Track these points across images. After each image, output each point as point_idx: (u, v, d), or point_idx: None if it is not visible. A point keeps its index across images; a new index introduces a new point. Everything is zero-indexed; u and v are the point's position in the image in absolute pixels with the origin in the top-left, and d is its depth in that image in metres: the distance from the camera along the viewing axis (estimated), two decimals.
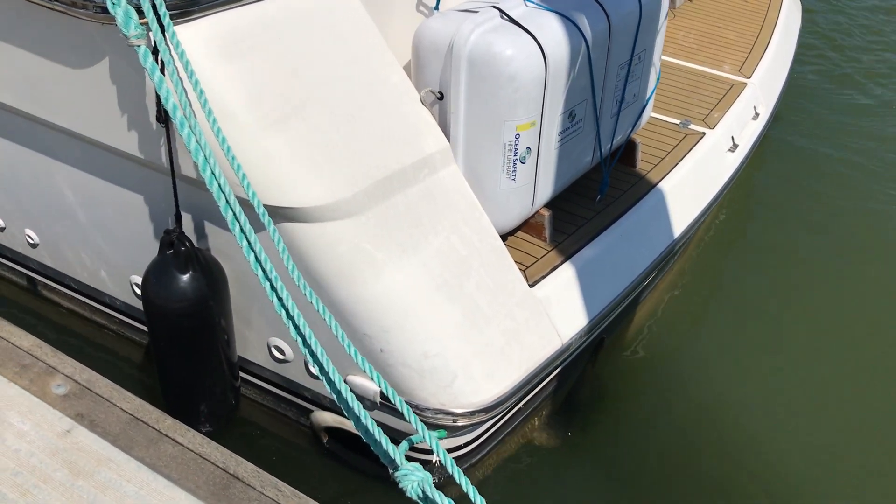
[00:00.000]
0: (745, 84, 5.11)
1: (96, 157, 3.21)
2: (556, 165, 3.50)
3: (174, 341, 3.11)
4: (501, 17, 3.16)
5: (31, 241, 3.86)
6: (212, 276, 3.07)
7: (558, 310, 3.42)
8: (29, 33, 2.89)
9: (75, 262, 3.78)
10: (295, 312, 2.54)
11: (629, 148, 4.13)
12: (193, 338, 3.10)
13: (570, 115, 3.42)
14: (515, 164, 3.24)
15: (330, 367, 2.59)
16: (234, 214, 2.52)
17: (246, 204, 2.74)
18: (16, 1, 2.80)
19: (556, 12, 3.28)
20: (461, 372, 3.06)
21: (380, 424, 3.27)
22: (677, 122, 4.64)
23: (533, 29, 3.12)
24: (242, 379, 3.62)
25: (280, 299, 2.55)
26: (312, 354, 2.59)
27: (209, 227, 3.14)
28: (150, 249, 3.37)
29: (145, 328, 3.87)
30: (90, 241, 3.59)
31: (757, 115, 5.04)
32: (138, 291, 3.62)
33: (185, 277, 2.98)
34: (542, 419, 3.92)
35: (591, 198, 3.96)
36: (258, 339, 3.39)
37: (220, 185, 2.50)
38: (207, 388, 3.26)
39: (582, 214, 3.87)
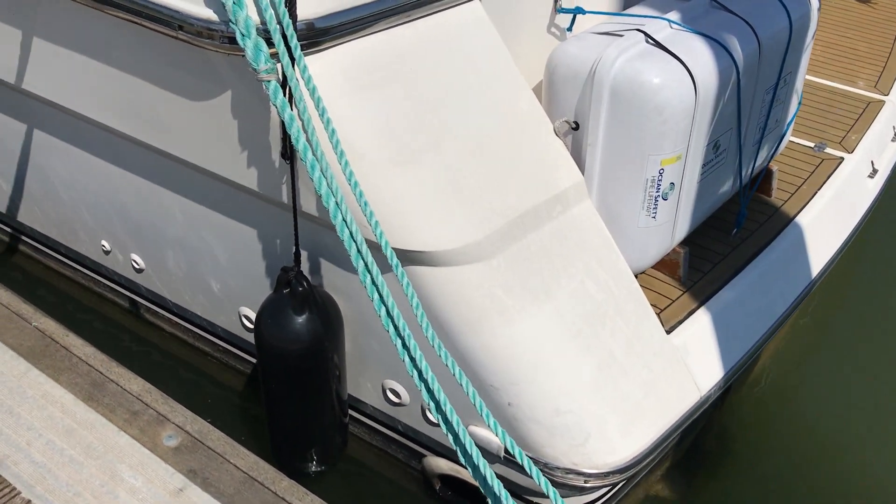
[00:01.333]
0: (884, 102, 4.71)
1: (211, 188, 3.05)
2: (696, 200, 3.21)
3: (287, 381, 2.93)
4: (647, 42, 2.89)
5: (137, 266, 3.75)
6: (328, 317, 2.88)
7: (696, 358, 3.13)
8: (149, 62, 2.74)
9: (182, 289, 3.66)
10: (420, 360, 2.33)
11: (766, 176, 3.81)
12: (306, 378, 2.93)
13: (714, 145, 3.13)
14: (657, 200, 2.96)
15: (454, 419, 2.37)
16: (362, 257, 2.32)
17: (371, 244, 2.54)
18: (137, 29, 2.64)
19: (705, 35, 2.99)
20: (595, 430, 2.81)
21: (500, 478, 3.07)
22: (812, 145, 4.28)
23: (682, 54, 2.84)
24: (351, 417, 3.44)
25: (405, 345, 2.34)
26: (436, 403, 2.37)
27: (325, 265, 2.95)
28: (261, 282, 3.21)
29: (250, 358, 3.74)
30: (199, 270, 3.45)
31: None
32: (247, 324, 3.47)
33: (302, 318, 2.80)
34: (665, 470, 3.64)
35: (725, 231, 3.65)
36: (371, 380, 3.20)
37: (349, 229, 2.30)
38: (317, 429, 3.08)
39: (717, 250, 3.57)
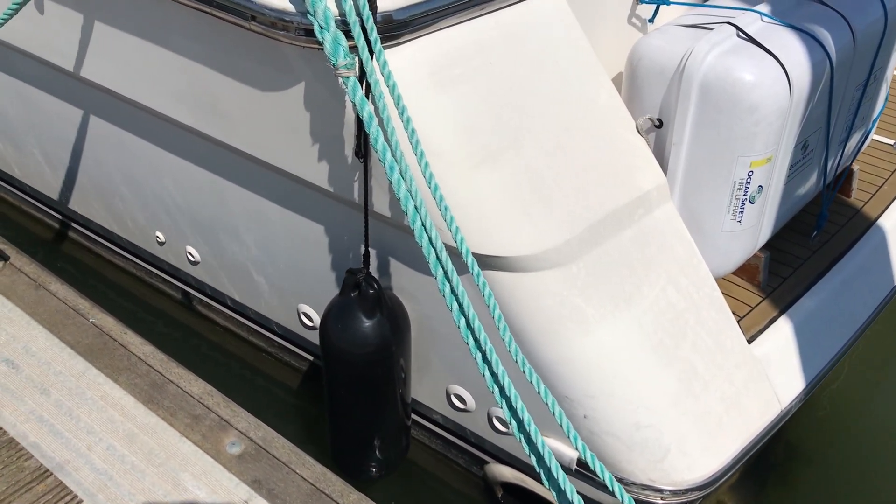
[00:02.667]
0: None
1: (275, 183, 2.94)
2: (780, 203, 3.04)
3: (353, 386, 2.82)
4: (739, 36, 2.71)
5: (192, 259, 3.66)
6: (396, 321, 2.76)
7: (777, 370, 2.98)
8: (217, 52, 2.62)
9: (238, 283, 3.56)
10: (502, 376, 2.19)
11: (847, 176, 3.62)
12: (374, 384, 2.81)
13: (803, 146, 2.95)
14: (744, 204, 2.80)
15: (531, 428, 2.24)
16: (441, 263, 2.19)
17: (449, 249, 2.41)
18: (206, 18, 2.52)
19: (798, 28, 2.80)
20: (675, 446, 2.67)
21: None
22: (891, 142, 4.07)
23: (776, 50, 2.66)
24: (413, 421, 3.33)
25: (486, 359, 2.21)
26: (513, 412, 2.24)
27: (393, 266, 2.83)
28: (323, 281, 3.10)
29: (306, 355, 3.64)
30: (258, 266, 3.34)
31: None
32: (305, 321, 3.36)
33: (372, 322, 2.68)
34: (733, 481, 3.49)
35: (804, 233, 3.48)
36: (435, 384, 3.08)
37: (427, 234, 2.17)
38: (382, 433, 2.97)
39: (796, 253, 3.40)
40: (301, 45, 2.30)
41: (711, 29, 2.75)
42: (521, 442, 2.25)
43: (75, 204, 4.17)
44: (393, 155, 2.16)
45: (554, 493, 2.29)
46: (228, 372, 3.78)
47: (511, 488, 3.22)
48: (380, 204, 2.57)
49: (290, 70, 2.45)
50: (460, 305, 2.13)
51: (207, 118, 2.83)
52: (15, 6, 2.81)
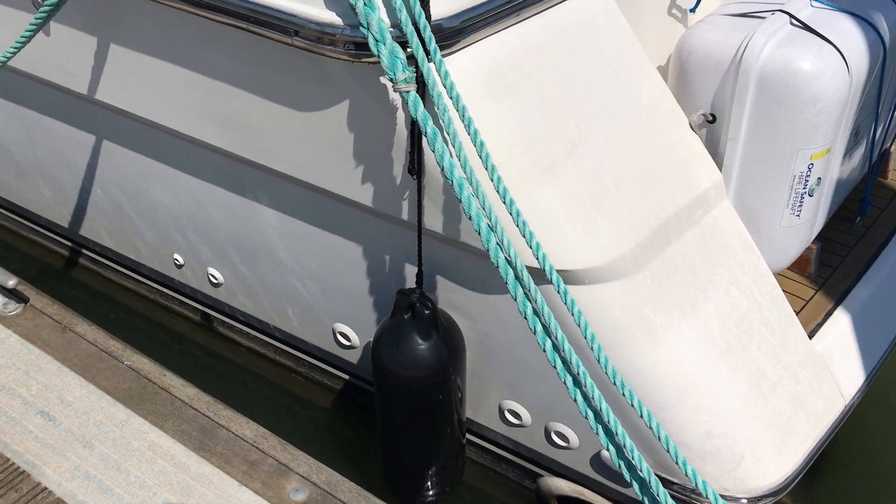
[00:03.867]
0: None
1: (312, 203, 2.79)
2: (834, 192, 2.95)
3: (410, 411, 2.70)
4: (792, 24, 2.60)
5: (215, 281, 3.50)
6: (453, 341, 2.64)
7: (839, 364, 2.90)
8: (252, 70, 2.46)
9: (266, 304, 3.41)
10: (599, 399, 2.08)
11: (885, 158, 3.54)
12: (431, 407, 2.69)
13: (855, 133, 2.86)
14: (803, 198, 2.70)
15: (636, 456, 2.13)
16: (521, 283, 2.06)
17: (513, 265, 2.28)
18: (240, 36, 2.36)
19: (850, 12, 2.70)
20: (748, 453, 2.58)
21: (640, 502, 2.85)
22: None
23: (832, 36, 2.56)
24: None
25: (577, 382, 2.10)
26: (611, 438, 2.13)
27: (444, 283, 2.70)
28: (361, 299, 2.97)
29: (341, 374, 3.51)
30: (290, 286, 3.20)
31: None
32: (342, 341, 3.23)
33: (428, 344, 2.55)
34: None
35: (846, 219, 3.39)
36: (488, 400, 2.96)
37: (505, 252, 2.04)
38: (439, 458, 2.85)
39: (842, 241, 3.31)
40: (350, 59, 2.15)
41: (763, 17, 2.63)
42: (620, 467, 2.14)
43: (86, 229, 3.99)
44: (463, 171, 2.03)
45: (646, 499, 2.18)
46: (257, 394, 3.64)
47: (567, 501, 3.12)
48: (433, 221, 2.44)
49: (334, 86, 2.31)
50: (545, 326, 2.00)
51: (240, 139, 2.67)
52: (29, 32, 2.63)
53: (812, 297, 3.06)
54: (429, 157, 2.27)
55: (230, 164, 2.89)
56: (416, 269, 2.71)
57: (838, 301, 3.05)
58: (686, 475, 2.06)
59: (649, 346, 2.48)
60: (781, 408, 2.66)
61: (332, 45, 2.14)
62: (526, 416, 2.89)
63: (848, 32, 2.62)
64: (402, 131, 2.27)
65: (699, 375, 2.53)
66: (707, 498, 2.05)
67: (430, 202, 2.39)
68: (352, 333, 3.18)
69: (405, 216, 2.48)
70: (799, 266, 3.11)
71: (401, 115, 2.24)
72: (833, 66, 2.51)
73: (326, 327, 3.25)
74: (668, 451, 2.05)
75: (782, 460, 2.64)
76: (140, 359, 2.75)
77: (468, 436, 3.19)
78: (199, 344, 3.87)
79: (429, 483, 2.89)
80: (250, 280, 3.35)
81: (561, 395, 2.70)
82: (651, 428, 2.04)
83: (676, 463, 2.05)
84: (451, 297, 2.70)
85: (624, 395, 2.03)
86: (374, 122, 2.31)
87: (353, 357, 3.30)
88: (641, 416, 2.04)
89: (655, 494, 2.02)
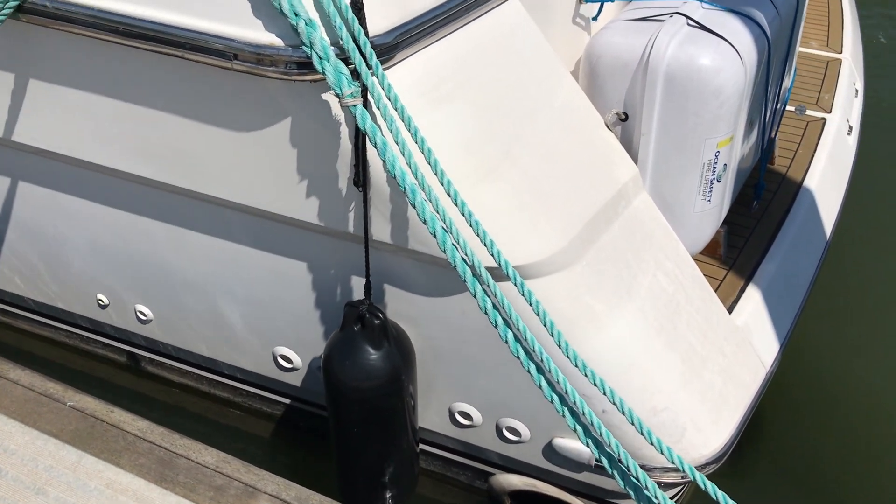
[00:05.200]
0: (840, 60, 4.86)
1: (246, 226, 2.80)
2: (735, 178, 3.20)
3: (367, 420, 2.73)
4: (689, 24, 2.83)
5: (143, 318, 3.43)
6: (403, 348, 2.71)
7: (757, 336, 3.13)
8: (183, 98, 2.47)
9: (200, 335, 3.37)
10: (560, 377, 2.19)
11: (771, 146, 3.84)
12: (386, 415, 2.74)
13: (749, 122, 3.12)
14: (712, 183, 2.92)
15: (604, 433, 2.26)
16: (479, 280, 2.16)
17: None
18: (170, 63, 2.37)
19: (737, 12, 2.96)
20: (690, 424, 2.75)
21: (591, 486, 2.99)
22: (793, 108, 4.36)
23: (726, 34, 2.80)
24: None
25: (535, 362, 2.21)
26: (575, 416, 2.25)
27: (391, 292, 2.76)
28: (304, 319, 2.99)
29: (281, 399, 3.50)
30: (224, 314, 3.18)
31: (857, 92, 4.80)
32: (283, 364, 3.23)
33: (381, 353, 2.61)
34: None
35: (744, 204, 3.67)
36: (437, 405, 3.03)
37: (462, 251, 2.14)
38: (396, 465, 2.90)
39: (742, 223, 3.58)
40: (292, 78, 2.21)
41: (662, 21, 2.85)
42: (589, 445, 2.26)
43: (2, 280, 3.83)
44: (414, 177, 2.12)
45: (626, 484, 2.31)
46: (193, 429, 3.57)
47: (520, 496, 3.22)
48: (379, 231, 2.51)
49: (275, 106, 2.35)
50: (506, 319, 2.11)
51: (175, 169, 2.66)
52: None
53: (725, 276, 3.29)
54: (374, 168, 2.35)
55: (160, 195, 2.87)
56: (360, 282, 2.77)
57: (748, 278, 3.29)
58: (652, 444, 2.20)
59: (594, 332, 2.62)
60: (713, 380, 2.86)
61: (273, 65, 2.19)
62: (477, 416, 2.97)
63: (738, 30, 2.87)
64: (346, 145, 2.34)
65: (639, 355, 2.69)
66: (682, 470, 2.19)
67: (376, 212, 2.46)
68: (293, 355, 3.19)
69: (351, 229, 2.54)
70: (710, 249, 3.34)
71: (344, 130, 2.31)
72: (730, 60, 2.74)
73: (266, 352, 3.25)
74: (632, 425, 2.18)
75: (720, 429, 2.83)
76: (83, 398, 2.67)
77: (421, 445, 3.25)
78: (126, 387, 3.77)
79: (388, 492, 2.93)
80: (183, 312, 3.30)
81: (512, 389, 2.81)
82: (614, 403, 2.16)
83: (641, 433, 2.18)
84: (397, 306, 2.77)
85: (586, 375, 2.15)
86: (317, 139, 2.36)
87: (294, 379, 3.30)
88: (605, 394, 2.16)
89: (626, 468, 2.14)
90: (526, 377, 2.67)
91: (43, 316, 3.89)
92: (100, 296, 3.49)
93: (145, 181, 2.82)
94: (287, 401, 3.49)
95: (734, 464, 3.44)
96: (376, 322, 2.59)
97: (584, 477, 2.95)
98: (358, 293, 2.79)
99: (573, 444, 2.83)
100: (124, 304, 3.45)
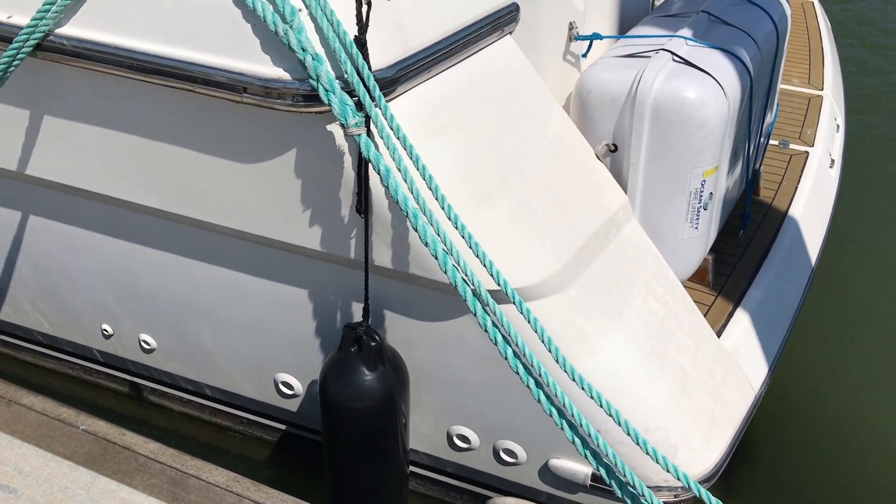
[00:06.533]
0: (822, 96, 5.03)
1: (249, 254, 2.90)
2: (722, 206, 3.32)
3: (361, 441, 2.81)
4: (674, 60, 2.97)
5: (147, 347, 3.51)
6: (398, 370, 2.79)
7: (746, 359, 3.23)
8: (192, 129, 2.58)
9: (202, 363, 3.45)
10: (558, 391, 2.29)
11: (756, 177, 3.98)
12: (380, 435, 2.81)
13: (734, 153, 3.25)
14: (699, 211, 3.04)
15: (601, 444, 2.35)
16: (479, 300, 2.26)
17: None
18: (180, 96, 2.49)
19: (720, 48, 3.11)
20: (681, 444, 2.83)
21: None
22: (776, 142, 4.51)
23: (709, 69, 2.94)
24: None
25: (534, 377, 2.30)
26: (573, 428, 2.34)
27: (389, 317, 2.86)
28: (305, 345, 3.08)
29: (279, 426, 3.56)
30: (227, 341, 3.26)
31: (838, 127, 4.96)
32: (284, 390, 3.31)
33: (376, 374, 2.69)
34: None
35: (730, 233, 3.79)
36: (433, 428, 3.11)
37: (463, 272, 2.24)
38: (389, 485, 2.97)
39: (729, 252, 3.69)
40: (299, 110, 2.33)
41: (648, 57, 2.99)
42: (587, 457, 2.34)
43: (8, 313, 3.90)
44: (416, 203, 2.22)
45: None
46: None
47: None
48: (380, 256, 2.61)
49: (281, 137, 2.47)
50: (505, 337, 2.20)
51: (184, 200, 2.77)
52: None
53: (713, 302, 3.40)
54: (375, 195, 2.46)
55: (167, 225, 2.97)
56: (359, 308, 2.86)
57: (736, 304, 3.40)
58: (648, 454, 2.28)
59: (586, 354, 2.71)
60: (703, 401, 2.95)
61: (281, 98, 2.31)
62: (474, 439, 3.05)
63: (721, 65, 3.01)
64: (349, 173, 2.45)
65: (632, 377, 2.78)
66: (678, 478, 2.27)
67: (377, 238, 2.57)
68: (294, 381, 3.26)
69: (353, 255, 2.64)
70: (698, 276, 3.45)
71: (347, 159, 2.42)
72: (714, 93, 2.88)
73: (268, 378, 3.33)
74: (628, 435, 2.26)
75: (710, 448, 2.91)
76: (95, 422, 2.74)
77: (416, 469, 3.31)
78: (131, 417, 3.82)
79: None
80: (187, 340, 3.39)
81: (509, 411, 2.89)
82: (611, 416, 2.25)
83: (637, 444, 2.27)
84: (395, 331, 2.86)
85: (583, 389, 2.24)
86: (321, 168, 2.48)
87: (295, 405, 3.38)
88: (602, 407, 2.25)
89: (622, 477, 2.22)
90: (523, 398, 2.77)
91: (47, 347, 3.96)
92: (105, 325, 3.57)
93: (152, 211, 2.92)
94: (286, 427, 3.55)
95: (724, 483, 3.52)
96: (372, 344, 2.68)
97: (580, 498, 3.02)
98: (356, 318, 2.88)
99: (569, 465, 2.90)
100: (129, 333, 3.52)
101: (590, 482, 2.92)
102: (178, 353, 3.48)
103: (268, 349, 3.21)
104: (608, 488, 2.90)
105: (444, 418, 3.05)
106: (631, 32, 3.37)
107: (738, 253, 3.69)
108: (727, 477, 3.56)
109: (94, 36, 2.54)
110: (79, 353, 3.86)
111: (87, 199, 3.08)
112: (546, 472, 2.99)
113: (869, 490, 3.55)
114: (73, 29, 2.58)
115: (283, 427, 3.57)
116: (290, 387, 3.29)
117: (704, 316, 3.34)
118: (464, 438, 3.07)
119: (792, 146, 4.49)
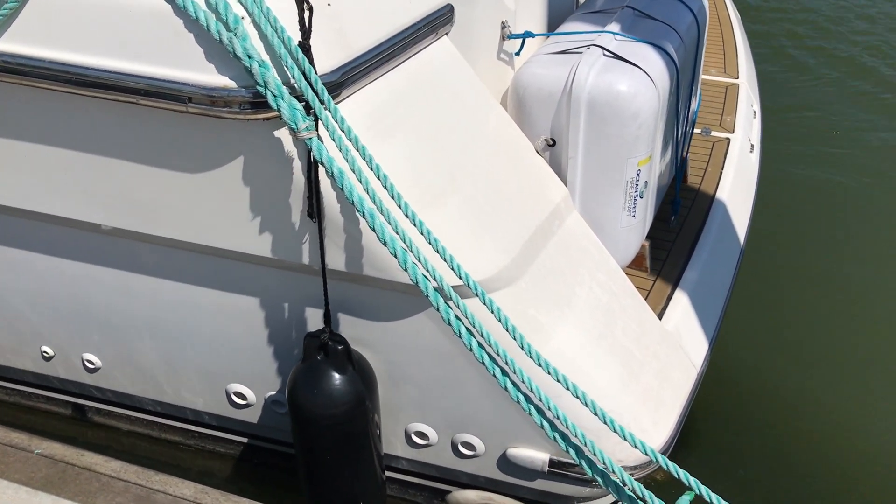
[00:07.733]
0: (738, 84, 5.24)
1: (196, 265, 2.88)
2: (655, 194, 3.44)
3: (336, 447, 2.82)
4: (605, 55, 3.07)
5: (91, 366, 3.44)
6: (366, 373, 2.82)
7: (686, 339, 3.36)
8: (140, 142, 2.55)
9: (150, 379, 3.39)
10: (525, 377, 2.36)
11: (682, 164, 4.13)
12: (355, 439, 2.83)
13: (665, 142, 3.37)
14: (636, 200, 3.15)
15: (569, 425, 2.43)
16: (441, 295, 2.31)
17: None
18: (123, 110, 2.46)
19: (647, 42, 3.22)
20: (634, 425, 2.93)
21: (546, 494, 3.13)
22: (699, 130, 4.68)
23: (639, 62, 3.05)
24: None
25: (499, 366, 2.37)
26: (541, 413, 2.42)
27: (347, 320, 2.87)
28: (258, 354, 3.07)
29: (234, 438, 3.54)
30: (176, 356, 3.22)
31: (755, 113, 5.18)
32: (237, 401, 3.28)
33: (344, 379, 2.71)
34: None
35: (663, 220, 3.92)
36: (396, 428, 3.14)
37: (424, 266, 2.29)
38: (367, 490, 2.99)
39: (664, 237, 3.83)
40: (246, 118, 2.33)
41: (580, 53, 3.08)
42: (556, 440, 2.41)
43: None
44: (373, 202, 2.25)
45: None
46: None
47: None
48: (334, 260, 2.63)
49: (228, 145, 2.46)
50: (468, 328, 2.25)
51: (130, 213, 2.73)
52: None
53: (652, 286, 3.52)
54: (326, 199, 2.48)
55: (108, 240, 2.92)
56: (313, 314, 2.87)
57: (674, 286, 3.52)
58: (616, 432, 2.36)
59: (542, 344, 2.78)
60: (650, 382, 3.05)
61: (227, 106, 2.31)
62: (433, 434, 3.09)
63: (649, 58, 3.13)
64: (299, 179, 2.46)
65: (584, 362, 2.87)
66: (657, 461, 2.36)
67: (330, 243, 2.58)
68: (247, 391, 3.25)
69: (306, 260, 2.65)
70: (636, 262, 3.56)
71: (297, 164, 2.43)
72: (645, 85, 2.99)
73: (219, 390, 3.30)
74: (595, 415, 2.34)
75: (660, 428, 3.02)
76: (51, 444, 2.68)
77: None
78: (76, 439, 3.73)
79: None
80: (132, 357, 3.33)
81: (466, 404, 2.94)
82: (577, 397, 2.32)
83: (605, 423, 2.36)
84: (353, 333, 2.87)
85: (550, 373, 2.31)
86: (270, 174, 2.48)
87: (249, 416, 3.36)
88: (568, 389, 2.32)
89: (591, 456, 2.29)
90: (480, 390, 2.83)
91: None
92: (44, 348, 3.48)
93: (94, 228, 2.87)
94: (243, 439, 3.53)
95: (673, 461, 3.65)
96: (339, 347, 2.70)
97: (538, 484, 3.09)
98: (312, 324, 2.89)
99: (527, 453, 2.97)
100: (71, 353, 3.44)
101: (548, 468, 3.00)
102: (124, 370, 3.42)
103: (221, 360, 3.18)
104: (565, 472, 3.00)
105: (403, 417, 3.09)
106: (560, 29, 3.46)
107: (672, 238, 3.82)
108: (671, 455, 3.70)
109: (28, 51, 2.49)
110: (15, 378, 3.75)
111: (21, 219, 3.01)
112: (504, 462, 3.05)
113: (806, 458, 3.73)
114: (4, 44, 2.52)
115: (237, 438, 3.54)
116: (243, 397, 3.27)
117: (646, 299, 3.46)
118: (422, 435, 3.10)
119: (714, 133, 4.67)
